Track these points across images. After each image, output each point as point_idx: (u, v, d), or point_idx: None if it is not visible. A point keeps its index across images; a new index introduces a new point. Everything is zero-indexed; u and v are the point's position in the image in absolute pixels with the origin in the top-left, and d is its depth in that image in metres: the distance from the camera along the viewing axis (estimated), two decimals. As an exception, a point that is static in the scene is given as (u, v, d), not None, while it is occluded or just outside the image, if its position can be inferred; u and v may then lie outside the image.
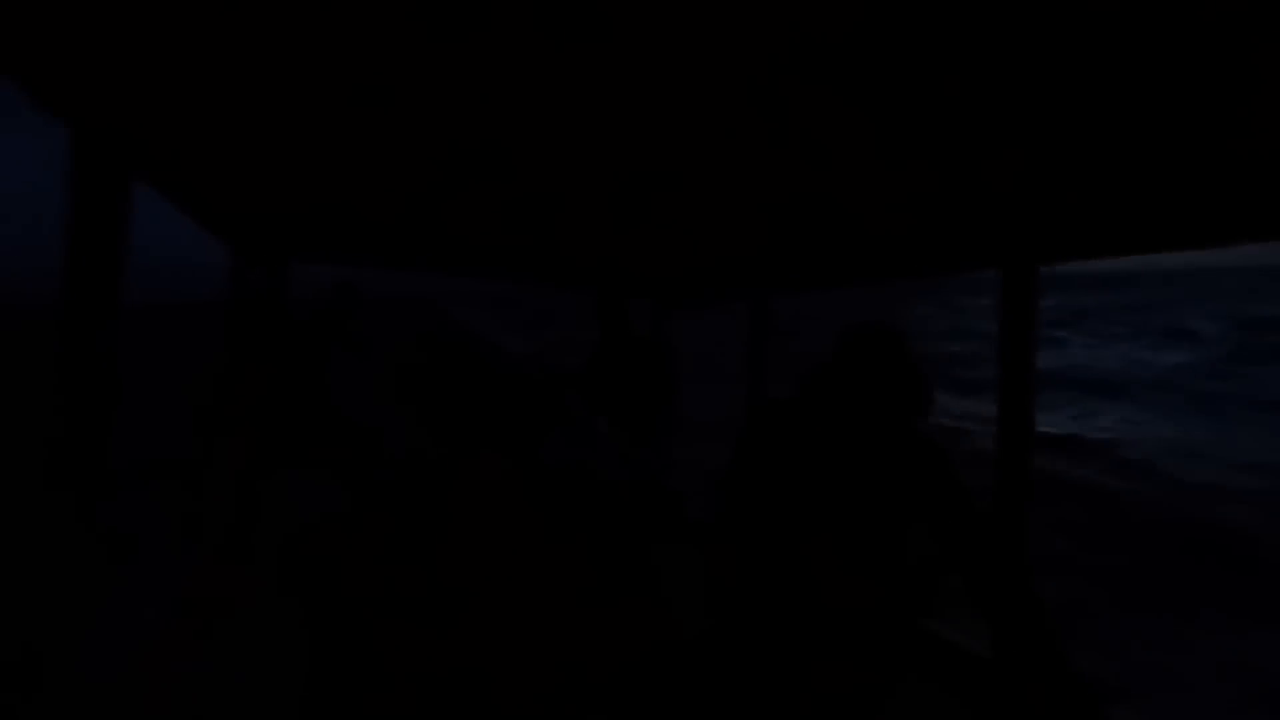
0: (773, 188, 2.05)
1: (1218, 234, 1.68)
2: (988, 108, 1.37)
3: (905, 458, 1.76)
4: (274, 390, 2.81)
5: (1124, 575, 7.89)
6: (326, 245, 2.89)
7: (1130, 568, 8.14)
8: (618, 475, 3.41)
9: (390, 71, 1.31)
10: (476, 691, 1.65)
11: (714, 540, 1.94)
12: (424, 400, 2.22)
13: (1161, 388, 22.46)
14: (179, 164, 1.90)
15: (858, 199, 2.07)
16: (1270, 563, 8.51)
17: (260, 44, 1.19)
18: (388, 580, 1.61)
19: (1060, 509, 10.09)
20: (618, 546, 2.31)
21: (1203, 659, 5.92)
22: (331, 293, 3.25)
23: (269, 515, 2.62)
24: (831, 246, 2.66)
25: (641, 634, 1.97)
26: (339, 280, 3.29)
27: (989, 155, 1.62)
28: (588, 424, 3.52)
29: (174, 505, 2.48)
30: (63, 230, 1.51)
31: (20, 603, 1.55)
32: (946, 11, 1.04)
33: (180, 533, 2.32)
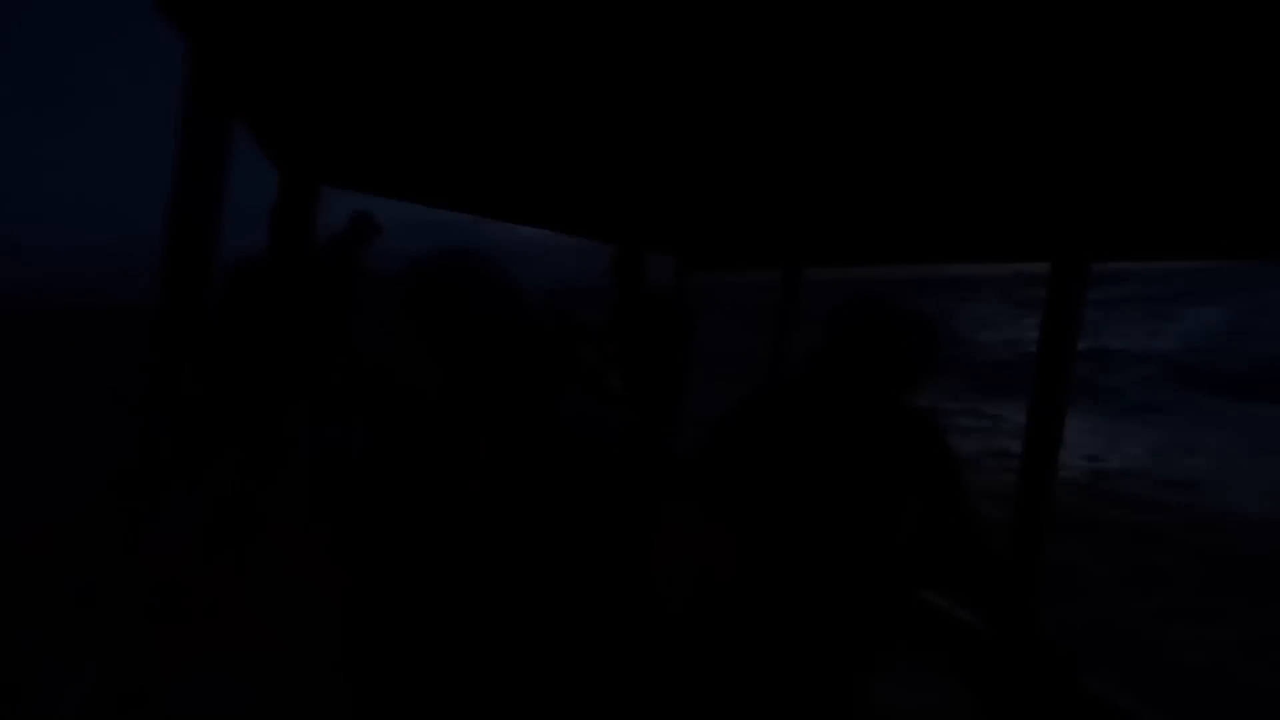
0: (802, 162, 1.96)
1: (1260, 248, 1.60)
2: (1053, 93, 1.27)
3: (900, 431, 1.77)
4: (294, 317, 2.76)
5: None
6: (355, 175, 2.85)
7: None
8: (620, 434, 3.37)
9: (438, 33, 1.37)
10: (464, 666, 1.64)
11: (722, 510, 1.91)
12: (433, 336, 2.13)
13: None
14: (263, 92, 1.94)
15: (899, 180, 1.98)
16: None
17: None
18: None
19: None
20: (609, 510, 2.29)
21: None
22: (350, 221, 3.16)
23: (289, 446, 2.62)
24: (870, 223, 2.56)
25: (626, 601, 1.97)
26: (360, 210, 3.20)
27: (1049, 144, 1.51)
28: (598, 379, 3.47)
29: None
30: (174, 153, 1.53)
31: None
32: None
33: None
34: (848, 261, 2.84)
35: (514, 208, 3.18)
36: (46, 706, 1.44)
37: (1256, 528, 9.74)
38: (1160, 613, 6.39)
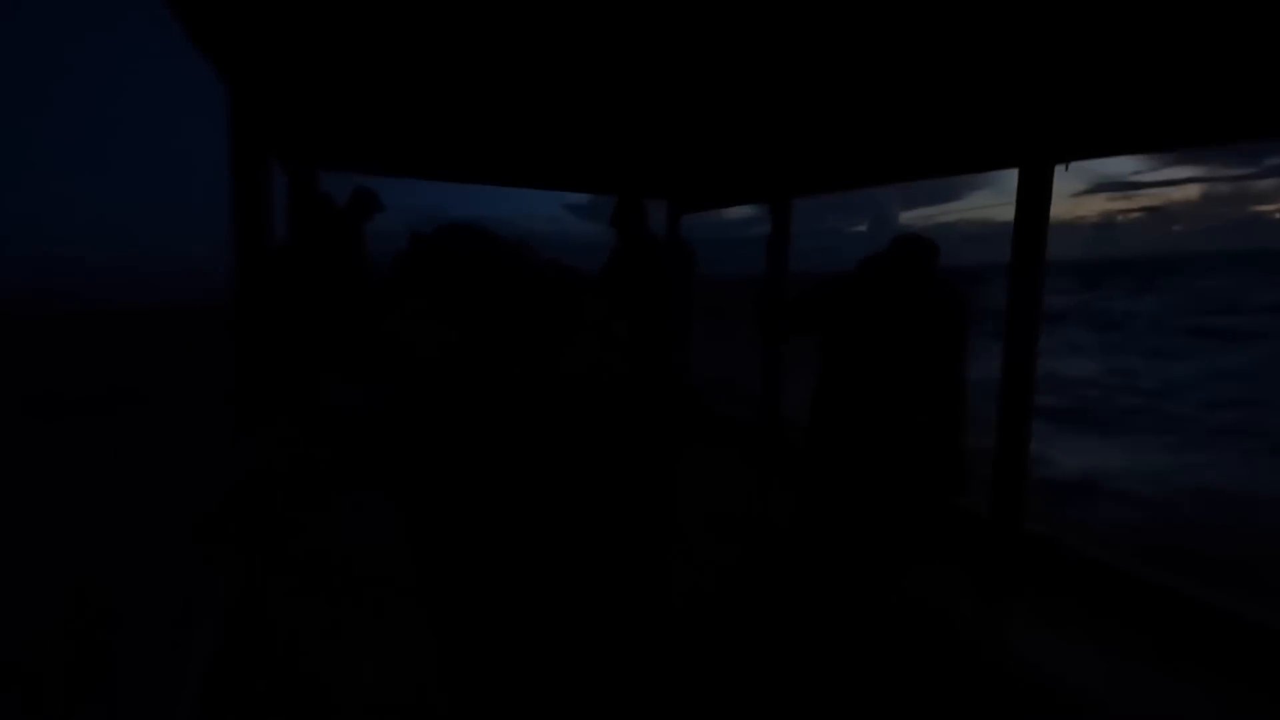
0: (781, 83, 2.05)
1: (1227, 130, 1.71)
2: (1000, 9, 1.37)
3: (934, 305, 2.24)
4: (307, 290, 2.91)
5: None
6: (347, 154, 2.97)
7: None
8: (637, 376, 3.54)
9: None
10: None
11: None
12: (442, 295, 2.31)
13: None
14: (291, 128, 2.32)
15: (871, 96, 2.07)
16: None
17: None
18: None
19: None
20: (625, 457, 2.55)
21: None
22: (351, 195, 3.26)
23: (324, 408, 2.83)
24: (847, 146, 2.66)
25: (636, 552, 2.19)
26: (361, 187, 3.29)
27: (1003, 54, 1.62)
28: (607, 327, 3.61)
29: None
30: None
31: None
32: None
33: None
34: (830, 188, 2.94)
35: (515, 173, 3.29)
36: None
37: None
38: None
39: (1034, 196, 2.14)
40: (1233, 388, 13.36)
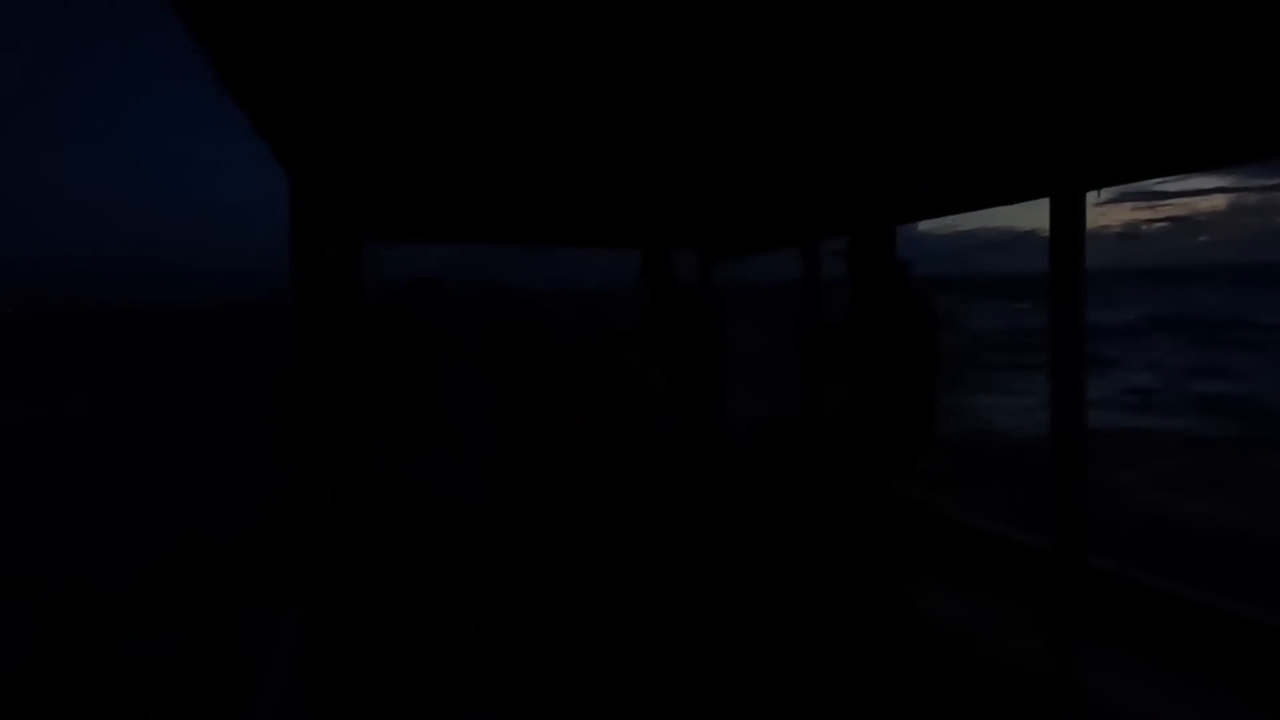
0: (816, 137, 2.09)
1: (1258, 150, 1.69)
2: (1032, 44, 1.39)
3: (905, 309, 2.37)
4: (353, 362, 3.03)
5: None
6: (391, 230, 3.12)
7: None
8: (676, 425, 3.54)
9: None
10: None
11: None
12: (500, 365, 2.49)
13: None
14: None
15: (904, 134, 2.10)
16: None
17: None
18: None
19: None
20: (669, 498, 2.68)
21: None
22: (408, 286, 3.37)
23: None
24: (877, 185, 2.69)
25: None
26: (419, 277, 3.40)
27: (1032, 82, 1.64)
28: (644, 379, 3.63)
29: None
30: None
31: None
32: None
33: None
34: (862, 228, 2.96)
35: (548, 232, 3.39)
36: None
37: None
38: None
39: (1067, 225, 2.12)
40: None
